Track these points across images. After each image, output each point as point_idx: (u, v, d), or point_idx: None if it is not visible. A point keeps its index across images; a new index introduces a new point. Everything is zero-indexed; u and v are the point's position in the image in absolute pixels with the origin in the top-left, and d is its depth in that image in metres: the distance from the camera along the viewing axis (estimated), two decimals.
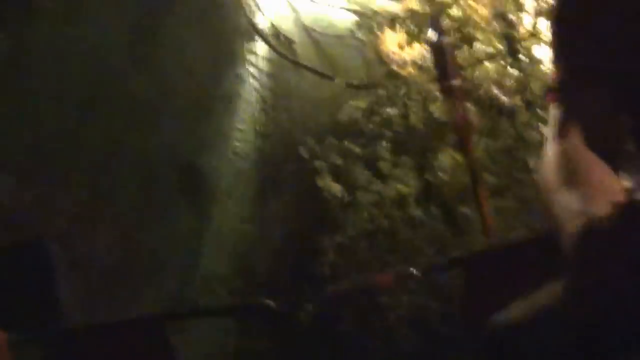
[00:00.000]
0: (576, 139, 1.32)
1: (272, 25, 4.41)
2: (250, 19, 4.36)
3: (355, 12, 4.21)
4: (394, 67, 3.92)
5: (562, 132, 1.35)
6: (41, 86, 3.92)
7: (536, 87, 3.36)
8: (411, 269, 2.35)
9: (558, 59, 1.44)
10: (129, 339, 2.42)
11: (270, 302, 2.35)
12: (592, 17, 1.38)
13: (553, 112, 1.38)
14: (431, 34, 3.34)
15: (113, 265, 4.13)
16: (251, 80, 4.46)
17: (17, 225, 3.74)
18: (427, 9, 3.66)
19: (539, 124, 3.35)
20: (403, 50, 3.84)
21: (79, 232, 3.98)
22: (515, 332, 1.29)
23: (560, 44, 1.45)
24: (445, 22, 3.54)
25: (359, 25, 4.04)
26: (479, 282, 2.24)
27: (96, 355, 2.36)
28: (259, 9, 4.43)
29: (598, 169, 1.26)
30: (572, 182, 1.25)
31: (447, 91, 3.21)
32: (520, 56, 3.38)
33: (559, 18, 1.46)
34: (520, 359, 1.27)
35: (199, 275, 4.29)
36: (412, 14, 3.74)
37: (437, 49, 3.27)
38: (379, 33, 3.96)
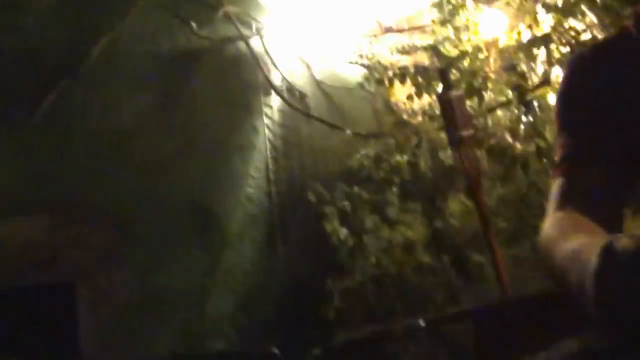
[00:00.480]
0: (574, 209, 1.29)
1: (286, 80, 4.24)
2: (266, 75, 4.23)
3: (364, 66, 3.93)
4: (404, 117, 3.59)
5: (561, 203, 1.31)
6: (78, 137, 3.90)
7: (549, 133, 3.01)
8: (420, 320, 2.00)
9: (561, 136, 1.37)
10: None
11: (276, 351, 1.99)
12: (593, 98, 1.34)
13: (555, 185, 1.34)
14: (439, 88, 3.02)
15: (129, 303, 3.91)
16: (265, 130, 4.24)
17: (48, 264, 3.64)
18: (436, 62, 3.33)
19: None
20: (412, 101, 3.51)
21: (102, 271, 3.79)
22: None
23: (563, 124, 1.39)
24: (455, 75, 3.21)
25: (368, 78, 3.74)
26: (489, 335, 1.88)
27: None
28: (274, 65, 4.23)
29: (593, 230, 1.22)
30: (570, 236, 1.21)
31: (456, 141, 2.86)
32: (533, 103, 3.03)
33: (564, 99, 1.40)
34: None
35: (209, 314, 4.01)
36: (421, 68, 3.41)
37: (446, 102, 2.95)
38: (388, 85, 3.64)
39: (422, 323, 2.22)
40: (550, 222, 1.28)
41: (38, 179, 3.83)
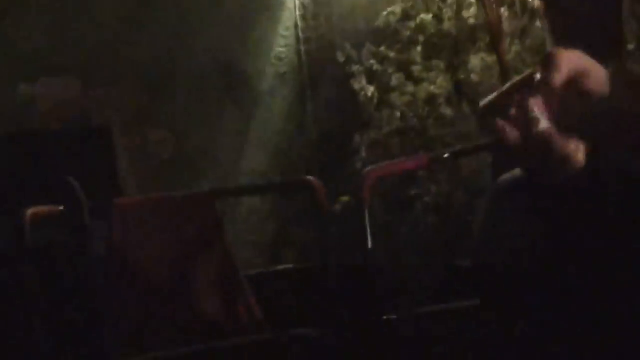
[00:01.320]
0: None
1: None
2: None
3: None
4: None
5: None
6: None
7: None
8: (444, 154, 2.22)
9: None
10: (183, 212, 2.32)
11: (315, 179, 2.25)
12: None
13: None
14: None
15: (165, 160, 4.16)
16: None
17: (80, 122, 3.80)
18: None
19: None
20: None
21: (137, 127, 3.99)
22: (509, 187, 1.23)
23: None
24: None
25: None
26: (505, 166, 2.08)
27: (153, 226, 2.26)
28: None
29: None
30: None
31: None
32: None
33: None
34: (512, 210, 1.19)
35: (242, 171, 4.27)
36: None
37: None
38: None
39: (446, 155, 2.42)
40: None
41: (66, 40, 3.86)
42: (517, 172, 1.26)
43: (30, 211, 1.87)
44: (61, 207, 1.93)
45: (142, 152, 4.06)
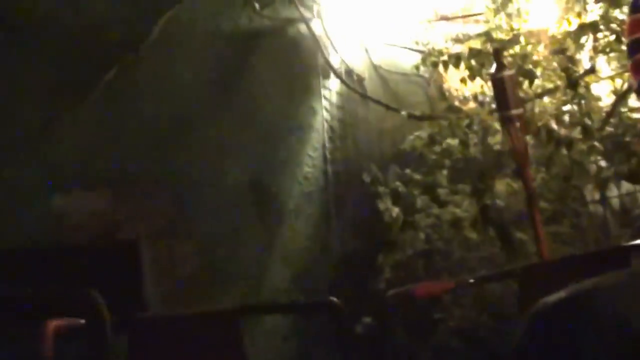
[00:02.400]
0: None
1: (345, 63, 4.37)
2: (327, 59, 4.36)
3: (420, 52, 4.10)
4: (455, 102, 3.78)
5: None
6: (138, 113, 4.04)
7: (594, 119, 3.15)
8: (469, 279, 2.17)
9: None
10: (205, 329, 2.28)
11: (335, 300, 2.21)
12: None
13: None
14: (493, 68, 3.16)
15: (190, 274, 4.15)
16: (323, 112, 4.43)
17: (110, 234, 3.82)
18: (489, 47, 3.50)
19: (596, 156, 3.14)
20: (465, 85, 3.68)
21: (164, 239, 4.01)
22: (570, 307, 1.11)
23: None
24: (506, 59, 3.38)
25: (424, 59, 3.91)
26: (531, 293, 2.02)
27: (175, 342, 2.22)
28: (333, 48, 4.41)
29: None
30: None
31: (507, 121, 3.00)
32: (579, 90, 3.17)
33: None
34: (573, 334, 1.03)
35: (265, 287, 4.23)
36: (474, 51, 3.58)
37: (498, 81, 3.08)
38: (441, 71, 3.83)
39: (470, 280, 2.37)
40: None
41: (101, 153, 3.89)
42: (566, 294, 1.14)
43: (52, 324, 1.84)
44: (82, 321, 1.91)
45: (168, 265, 4.06)
